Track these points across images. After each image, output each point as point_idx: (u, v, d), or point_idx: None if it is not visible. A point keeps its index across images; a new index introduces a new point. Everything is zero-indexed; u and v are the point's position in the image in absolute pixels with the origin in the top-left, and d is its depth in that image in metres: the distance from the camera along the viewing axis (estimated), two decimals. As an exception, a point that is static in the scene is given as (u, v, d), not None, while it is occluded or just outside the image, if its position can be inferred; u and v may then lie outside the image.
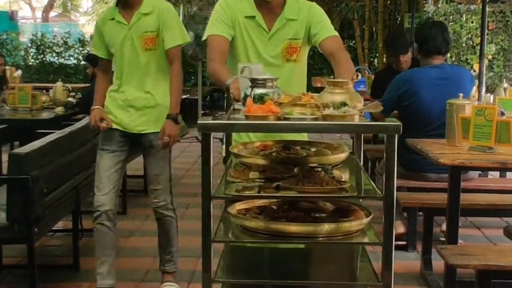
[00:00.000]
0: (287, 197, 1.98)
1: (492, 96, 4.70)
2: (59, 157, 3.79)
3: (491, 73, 10.46)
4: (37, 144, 3.62)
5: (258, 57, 2.80)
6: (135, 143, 3.54)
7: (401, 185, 4.29)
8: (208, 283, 1.92)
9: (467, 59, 10.69)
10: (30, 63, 14.15)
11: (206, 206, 1.84)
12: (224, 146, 2.71)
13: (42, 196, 3.45)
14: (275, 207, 2.07)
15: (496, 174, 5.63)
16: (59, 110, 5.96)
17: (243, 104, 2.05)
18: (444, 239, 4.08)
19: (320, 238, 1.90)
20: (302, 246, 2.21)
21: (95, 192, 3.47)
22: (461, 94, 3.67)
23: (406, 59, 5.43)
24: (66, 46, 14.32)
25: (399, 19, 11.59)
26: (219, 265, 2.09)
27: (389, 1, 11.66)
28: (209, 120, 1.84)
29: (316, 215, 2.00)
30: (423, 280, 3.94)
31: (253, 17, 2.81)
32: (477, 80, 5.57)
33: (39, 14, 28.67)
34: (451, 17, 10.84)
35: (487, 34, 8.48)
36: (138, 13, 3.42)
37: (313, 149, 2.25)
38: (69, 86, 6.65)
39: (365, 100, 2.36)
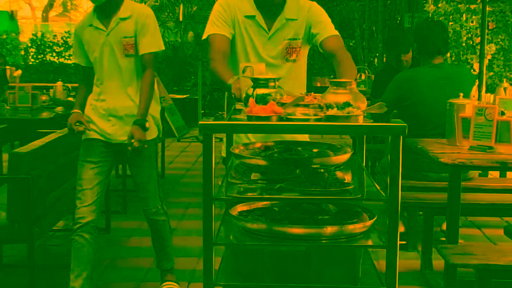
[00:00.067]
0: (291, 199, 1.95)
1: (492, 96, 4.71)
2: (59, 157, 3.80)
3: (491, 73, 10.46)
4: (37, 143, 3.62)
5: (257, 57, 2.79)
6: (118, 152, 3.44)
7: (401, 184, 4.28)
8: (209, 286, 1.89)
9: (467, 58, 10.68)
10: (30, 63, 14.15)
11: (208, 208, 1.82)
12: (224, 147, 2.70)
13: (43, 196, 3.45)
14: (277, 209, 2.05)
15: (497, 173, 5.63)
16: (59, 110, 5.95)
17: (245, 104, 2.03)
18: (444, 238, 4.08)
19: (323, 241, 1.88)
20: (304, 248, 2.19)
21: (76, 204, 3.34)
22: (461, 94, 3.67)
23: (407, 58, 5.42)
24: (66, 46, 14.31)
25: (399, 18, 11.59)
26: (220, 268, 2.07)
27: (389, 1, 11.66)
28: (211, 121, 1.81)
29: (319, 217, 1.97)
30: (423, 280, 3.94)
31: (253, 16, 2.79)
32: (477, 80, 5.57)
33: (39, 14, 28.67)
34: (451, 16, 10.83)
35: (487, 34, 8.47)
36: (116, 18, 3.33)
37: (315, 150, 2.21)
38: (69, 86, 6.65)
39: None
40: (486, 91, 6.19)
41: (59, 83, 6.36)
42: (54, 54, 14.18)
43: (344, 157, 2.12)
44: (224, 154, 2.74)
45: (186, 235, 4.82)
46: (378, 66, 11.67)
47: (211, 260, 1.85)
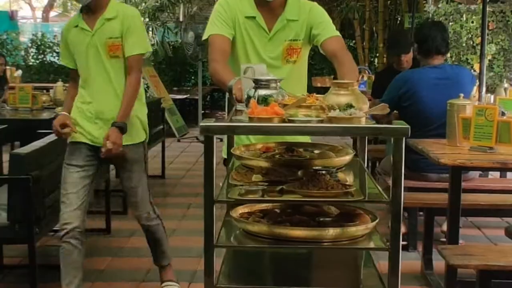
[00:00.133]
0: (292, 201, 1.93)
1: (492, 96, 4.71)
2: (60, 157, 3.79)
3: (491, 73, 10.46)
4: (38, 144, 3.62)
5: (258, 57, 2.76)
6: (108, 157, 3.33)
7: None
8: (210, 289, 1.87)
9: (467, 59, 10.68)
10: (31, 63, 14.13)
11: (209, 210, 1.80)
12: (225, 148, 2.69)
13: (43, 196, 3.46)
14: (278, 211, 2.03)
15: (497, 174, 5.63)
16: (60, 110, 5.92)
17: (246, 106, 2.01)
18: (444, 239, 4.08)
19: (325, 243, 1.85)
20: (306, 250, 2.17)
21: (61, 208, 3.26)
22: (461, 94, 3.68)
23: (407, 58, 5.42)
24: (66, 46, 14.29)
25: (399, 19, 11.58)
26: (221, 270, 2.06)
27: (389, 1, 11.65)
28: (212, 123, 1.78)
29: (321, 219, 1.95)
30: (424, 280, 3.94)
31: (254, 17, 2.77)
32: (477, 80, 5.57)
33: (39, 14, 28.66)
34: (451, 17, 10.83)
35: (487, 34, 8.47)
36: (101, 18, 3.26)
37: (316, 151, 2.20)
38: (70, 86, 6.64)
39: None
40: (486, 92, 6.18)
41: (59, 84, 6.36)
42: (54, 54, 14.17)
43: (346, 159, 2.10)
44: (225, 155, 2.73)
45: (187, 235, 4.82)
46: (378, 66, 11.67)
47: (212, 263, 1.83)
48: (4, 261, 4.10)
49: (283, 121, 1.83)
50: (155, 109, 6.91)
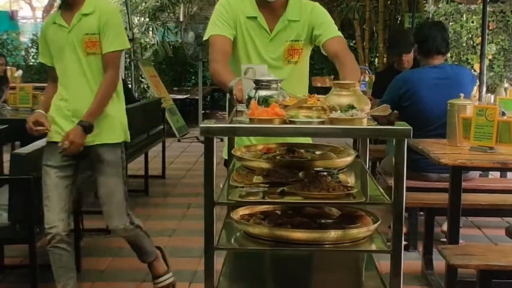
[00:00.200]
0: (293, 203, 1.91)
1: (492, 96, 4.71)
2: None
3: (492, 73, 10.46)
4: (38, 144, 3.61)
5: (259, 58, 2.75)
6: (83, 157, 3.26)
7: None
8: (211, 291, 1.86)
9: (467, 59, 10.68)
10: (31, 63, 14.14)
11: (209, 212, 1.78)
12: (225, 149, 2.69)
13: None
14: (279, 212, 2.01)
15: (497, 174, 5.63)
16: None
17: (247, 106, 2.00)
18: (445, 239, 4.09)
19: (326, 245, 1.83)
20: (307, 253, 2.14)
21: (44, 211, 3.20)
22: (462, 94, 3.68)
23: (408, 58, 5.42)
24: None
25: (400, 19, 11.59)
26: (222, 272, 2.05)
27: (389, 1, 11.66)
28: (212, 124, 1.76)
29: (322, 221, 1.93)
30: (424, 280, 3.94)
31: (255, 17, 2.75)
32: (477, 80, 5.57)
33: (39, 14, 28.64)
34: (451, 17, 10.83)
35: (488, 34, 8.48)
36: (78, 14, 3.17)
37: (317, 152, 2.18)
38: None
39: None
40: (487, 92, 6.19)
41: (60, 84, 6.35)
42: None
43: (347, 160, 2.08)
44: (225, 156, 2.72)
45: (187, 235, 4.82)
46: (378, 66, 11.67)
47: (212, 265, 1.81)
48: (5, 261, 4.10)
49: (284, 122, 1.81)
50: (155, 109, 6.92)
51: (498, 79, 10.21)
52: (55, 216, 3.18)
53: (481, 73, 5.95)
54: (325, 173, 1.92)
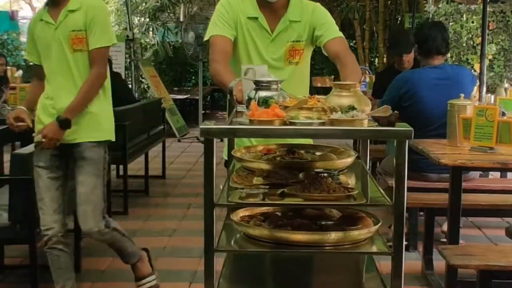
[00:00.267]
0: (293, 205, 1.91)
1: (492, 97, 4.71)
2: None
3: (492, 73, 10.46)
4: (39, 144, 3.62)
5: (260, 59, 2.74)
6: (69, 155, 3.20)
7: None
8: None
9: (467, 59, 10.69)
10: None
11: (209, 214, 1.77)
12: (226, 149, 2.69)
13: (44, 197, 3.45)
14: (279, 214, 2.01)
15: (497, 174, 5.63)
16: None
17: (247, 107, 2.00)
18: (445, 239, 4.09)
19: (327, 247, 1.82)
20: (307, 254, 2.13)
21: (39, 213, 3.18)
22: (462, 95, 3.68)
23: (409, 58, 5.42)
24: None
25: (400, 19, 11.59)
26: (222, 273, 2.05)
27: (389, 1, 11.66)
28: (212, 125, 1.75)
29: (322, 222, 1.92)
30: (424, 280, 3.94)
31: (256, 18, 2.75)
32: (477, 80, 5.57)
33: (39, 14, 28.66)
34: (451, 17, 10.84)
35: (488, 34, 8.48)
36: (65, 10, 3.12)
37: (318, 153, 2.17)
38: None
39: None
40: (487, 92, 6.19)
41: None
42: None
43: (348, 161, 2.07)
44: (225, 157, 2.71)
45: (187, 235, 4.82)
46: (378, 66, 11.68)
47: (212, 267, 1.81)
48: (5, 262, 4.10)
49: (284, 123, 1.80)
50: (155, 109, 6.93)
51: (498, 79, 10.22)
52: (50, 218, 3.17)
53: (481, 73, 5.95)
54: (325, 174, 1.91)
